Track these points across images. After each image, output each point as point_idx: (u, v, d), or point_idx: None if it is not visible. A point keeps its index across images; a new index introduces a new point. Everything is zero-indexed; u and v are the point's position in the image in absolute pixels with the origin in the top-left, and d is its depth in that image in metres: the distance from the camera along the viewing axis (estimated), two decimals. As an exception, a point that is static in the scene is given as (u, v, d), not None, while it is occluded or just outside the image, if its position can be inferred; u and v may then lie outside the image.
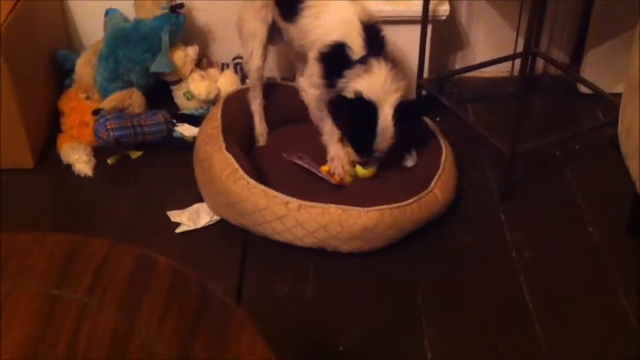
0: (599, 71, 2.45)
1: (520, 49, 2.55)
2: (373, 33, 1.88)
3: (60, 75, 2.38)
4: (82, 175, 2.15)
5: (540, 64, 2.60)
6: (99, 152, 2.21)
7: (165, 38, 2.25)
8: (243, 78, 2.44)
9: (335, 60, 1.87)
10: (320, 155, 2.04)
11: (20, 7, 2.09)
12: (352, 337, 1.70)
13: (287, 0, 1.96)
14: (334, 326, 1.73)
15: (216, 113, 2.10)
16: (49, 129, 2.28)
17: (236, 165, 1.89)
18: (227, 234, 1.95)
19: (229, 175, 1.87)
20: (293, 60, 2.27)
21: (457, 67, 2.61)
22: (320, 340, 1.71)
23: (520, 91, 1.94)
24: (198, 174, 2.03)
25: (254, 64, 2.10)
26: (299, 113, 2.21)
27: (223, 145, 1.95)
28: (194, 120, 2.28)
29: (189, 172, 2.08)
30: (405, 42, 2.28)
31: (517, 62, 2.57)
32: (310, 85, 1.96)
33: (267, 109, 2.17)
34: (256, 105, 2.15)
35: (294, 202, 1.82)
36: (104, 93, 2.27)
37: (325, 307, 1.77)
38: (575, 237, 1.96)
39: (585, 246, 1.94)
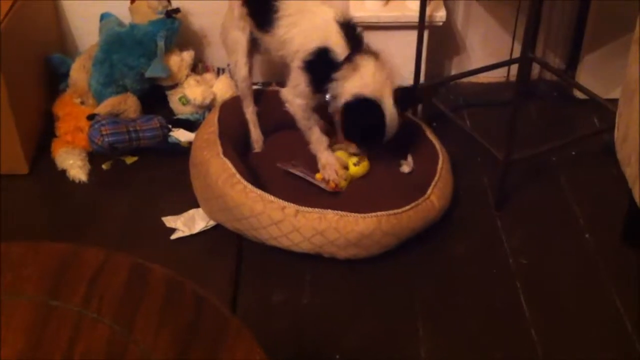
0: (594, 77, 2.45)
1: (516, 54, 2.55)
2: (350, 31, 1.88)
3: (55, 79, 2.37)
4: (77, 181, 2.14)
5: (536, 69, 2.61)
6: (93, 158, 2.20)
7: (160, 43, 2.25)
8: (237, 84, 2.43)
9: (321, 65, 1.87)
10: (315, 161, 2.03)
11: (15, 11, 2.08)
12: (349, 345, 1.69)
13: (260, 11, 1.96)
14: (330, 334, 1.72)
15: (213, 118, 2.10)
16: (43, 134, 2.27)
17: (233, 170, 1.88)
18: (223, 240, 1.94)
19: (226, 179, 1.87)
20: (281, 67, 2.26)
21: (454, 72, 2.61)
22: (316, 348, 1.70)
23: (516, 97, 1.94)
24: (194, 179, 2.02)
25: (240, 73, 2.10)
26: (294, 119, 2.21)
27: (220, 150, 1.94)
28: (190, 125, 2.28)
29: (184, 177, 2.07)
30: (402, 47, 2.27)
31: (513, 67, 2.57)
32: (295, 96, 1.95)
33: (262, 116, 2.16)
34: (249, 113, 2.14)
35: (291, 207, 1.81)
36: (99, 98, 2.26)
37: (321, 314, 1.76)
38: (571, 244, 1.96)
39: (581, 252, 1.94)
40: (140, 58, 2.25)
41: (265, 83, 2.39)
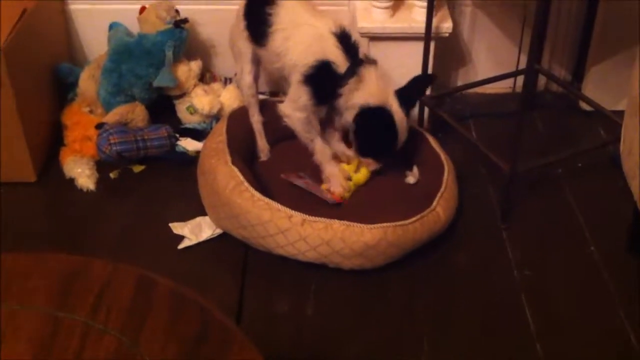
0: (600, 88, 2.45)
1: (522, 65, 2.56)
2: (347, 41, 1.89)
3: (64, 88, 2.38)
4: (85, 189, 2.15)
5: (541, 80, 2.61)
6: (101, 166, 2.21)
7: (169, 53, 2.26)
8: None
9: (323, 79, 1.88)
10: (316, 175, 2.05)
11: (24, 20, 2.10)
12: (353, 355, 1.69)
13: (255, 25, 1.98)
14: (334, 344, 1.73)
15: (221, 128, 2.11)
16: (51, 143, 2.28)
17: (241, 178, 1.90)
18: (228, 249, 1.95)
19: (234, 187, 1.88)
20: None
21: (459, 83, 2.62)
22: (320, 357, 1.71)
23: (522, 109, 1.94)
24: (201, 187, 2.03)
25: (244, 81, 2.12)
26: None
27: (229, 159, 1.96)
28: (197, 134, 2.29)
29: (191, 186, 2.08)
30: (408, 58, 2.28)
31: (519, 78, 2.58)
32: (294, 110, 1.96)
33: (269, 125, 2.17)
34: (255, 122, 2.16)
35: (298, 216, 1.82)
36: (107, 107, 2.28)
37: (326, 324, 1.77)
38: (576, 256, 1.96)
39: (587, 265, 1.94)
40: (148, 68, 2.26)
41: (272, 93, 2.40)
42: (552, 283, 1.88)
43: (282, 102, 2.03)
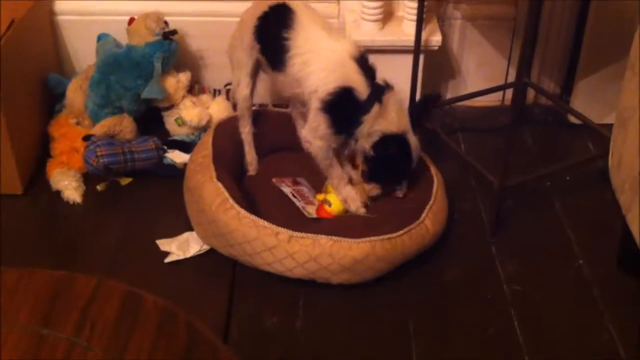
0: (589, 102, 2.46)
1: (511, 78, 2.57)
2: (365, 65, 1.86)
3: (51, 100, 2.37)
4: (72, 202, 2.14)
5: (530, 94, 2.62)
6: (88, 179, 2.19)
7: (157, 64, 2.25)
8: (235, 104, 2.43)
9: (344, 107, 1.83)
10: (312, 183, 2.05)
11: (12, 31, 2.08)
12: (342, 371, 1.69)
13: (273, 50, 1.93)
14: (324, 359, 1.71)
15: (207, 141, 2.10)
16: (38, 155, 2.27)
17: (226, 195, 1.88)
18: (217, 264, 1.93)
19: (219, 204, 1.86)
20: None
21: (449, 96, 2.62)
22: (309, 373, 1.70)
23: (511, 123, 1.94)
24: (188, 203, 2.02)
25: (240, 93, 2.09)
26: (291, 141, 2.21)
27: (214, 174, 1.94)
28: (185, 146, 2.28)
29: (179, 199, 2.06)
30: (398, 71, 2.28)
31: (508, 91, 2.59)
32: (315, 137, 1.90)
33: (258, 137, 2.17)
34: (245, 133, 2.14)
35: (285, 232, 1.81)
36: (95, 119, 2.27)
37: (315, 339, 1.75)
38: (565, 270, 1.96)
39: (576, 278, 1.93)
40: (137, 79, 2.25)
41: (262, 105, 2.39)
42: (541, 297, 1.88)
43: (274, 111, 1.99)
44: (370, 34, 2.29)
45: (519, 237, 2.06)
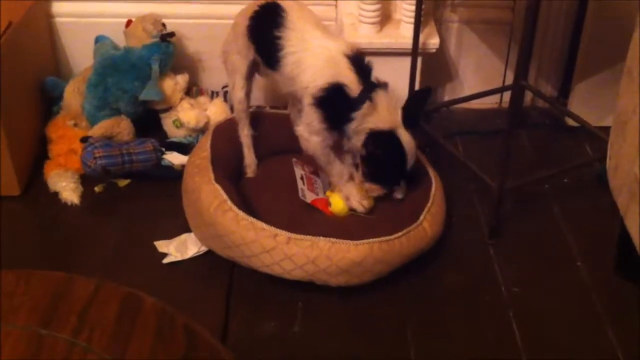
0: (586, 105, 2.47)
1: (508, 81, 2.57)
2: (359, 63, 1.86)
3: (48, 102, 2.37)
4: (69, 204, 2.13)
5: (528, 96, 2.62)
6: (86, 180, 2.19)
7: (155, 66, 2.25)
8: (232, 106, 2.44)
9: (335, 102, 1.84)
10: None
11: (10, 33, 2.08)
12: (340, 373, 1.68)
13: (267, 50, 1.94)
14: (322, 362, 1.71)
15: (205, 143, 2.10)
16: (36, 156, 2.26)
17: (224, 197, 1.88)
18: (214, 266, 1.93)
19: (217, 207, 1.86)
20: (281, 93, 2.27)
21: (446, 99, 2.62)
22: (307, 375, 1.69)
23: (509, 126, 1.94)
24: (186, 205, 2.01)
25: (236, 96, 2.09)
26: (289, 143, 2.21)
27: (212, 176, 1.94)
28: (183, 148, 2.28)
29: (176, 201, 2.06)
30: (395, 73, 2.28)
31: (505, 94, 2.59)
32: (310, 133, 1.91)
33: (256, 139, 2.17)
34: (244, 136, 2.14)
35: (283, 234, 1.80)
36: (93, 121, 2.26)
37: (313, 342, 1.75)
38: (564, 273, 1.96)
39: (574, 281, 1.94)
40: (134, 81, 2.25)
41: (259, 107, 2.39)
42: (540, 300, 1.88)
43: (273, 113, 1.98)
44: (367, 36, 2.29)
45: (517, 239, 2.06)
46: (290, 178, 2.08)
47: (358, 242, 1.81)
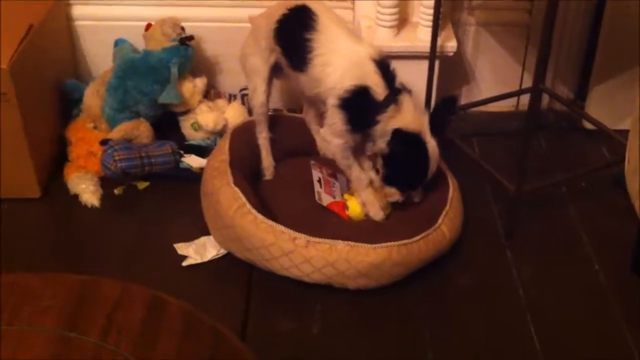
0: (603, 108, 2.46)
1: (525, 83, 2.57)
2: (385, 67, 1.87)
3: (68, 104, 2.39)
4: (89, 206, 2.15)
5: (544, 99, 2.61)
6: (105, 183, 2.21)
7: (174, 70, 2.27)
8: (250, 109, 2.45)
9: (360, 104, 1.85)
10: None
11: (30, 37, 2.10)
12: (359, 376, 1.69)
13: (295, 51, 1.95)
14: (340, 364, 1.72)
15: (224, 146, 2.11)
16: (56, 159, 2.28)
17: (244, 200, 1.89)
18: (233, 268, 1.94)
19: (237, 210, 1.88)
20: (299, 96, 2.28)
21: (463, 102, 2.62)
22: (326, 377, 1.71)
23: (527, 129, 1.94)
24: (205, 208, 2.03)
25: (257, 100, 2.11)
26: (306, 145, 2.23)
27: (231, 179, 1.95)
28: (201, 151, 2.29)
29: (195, 204, 2.08)
30: (413, 77, 2.28)
31: (522, 97, 2.59)
32: (333, 135, 1.92)
33: (273, 142, 2.18)
34: (262, 139, 2.15)
35: (302, 238, 1.82)
36: (112, 123, 2.28)
37: (331, 344, 1.76)
38: (581, 275, 1.96)
39: (591, 283, 1.94)
40: (153, 84, 2.27)
41: (276, 110, 2.41)
42: (557, 302, 1.88)
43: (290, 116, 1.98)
44: (385, 39, 2.30)
45: (534, 242, 2.06)
46: (308, 180, 2.09)
47: (377, 245, 1.82)
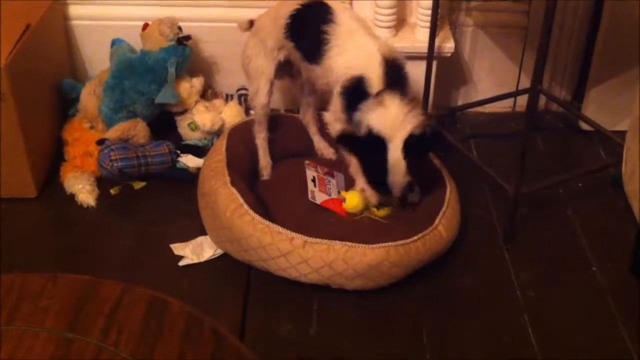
0: (600, 109, 2.47)
1: (522, 85, 2.58)
2: (394, 68, 1.87)
3: (65, 104, 2.38)
4: (85, 205, 2.14)
5: (542, 100, 2.62)
6: (102, 183, 2.20)
7: (171, 69, 2.27)
8: (247, 109, 2.45)
9: (354, 93, 1.86)
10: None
11: (28, 36, 2.09)
12: (357, 376, 1.69)
13: (311, 44, 1.95)
14: (338, 365, 1.72)
15: (221, 145, 2.11)
16: (52, 158, 2.28)
17: (241, 201, 1.89)
18: (231, 269, 1.94)
19: (234, 210, 1.87)
20: (296, 94, 2.27)
21: (460, 102, 2.63)
22: (324, 378, 1.70)
23: (526, 131, 1.94)
24: (202, 208, 2.02)
25: (259, 101, 2.10)
26: (304, 146, 2.22)
27: (228, 179, 1.95)
28: (198, 151, 2.29)
29: (192, 204, 2.07)
30: (411, 77, 2.29)
31: (519, 98, 2.60)
32: (334, 120, 1.96)
33: (271, 142, 2.18)
34: (261, 139, 2.15)
35: (299, 238, 1.81)
36: (109, 123, 2.27)
37: (329, 345, 1.76)
38: (579, 277, 1.96)
39: (589, 285, 1.94)
40: (151, 84, 2.26)
41: (274, 110, 2.40)
42: (555, 304, 1.88)
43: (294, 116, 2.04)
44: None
45: (532, 243, 2.06)
46: (305, 181, 2.08)
47: (374, 245, 1.81)
